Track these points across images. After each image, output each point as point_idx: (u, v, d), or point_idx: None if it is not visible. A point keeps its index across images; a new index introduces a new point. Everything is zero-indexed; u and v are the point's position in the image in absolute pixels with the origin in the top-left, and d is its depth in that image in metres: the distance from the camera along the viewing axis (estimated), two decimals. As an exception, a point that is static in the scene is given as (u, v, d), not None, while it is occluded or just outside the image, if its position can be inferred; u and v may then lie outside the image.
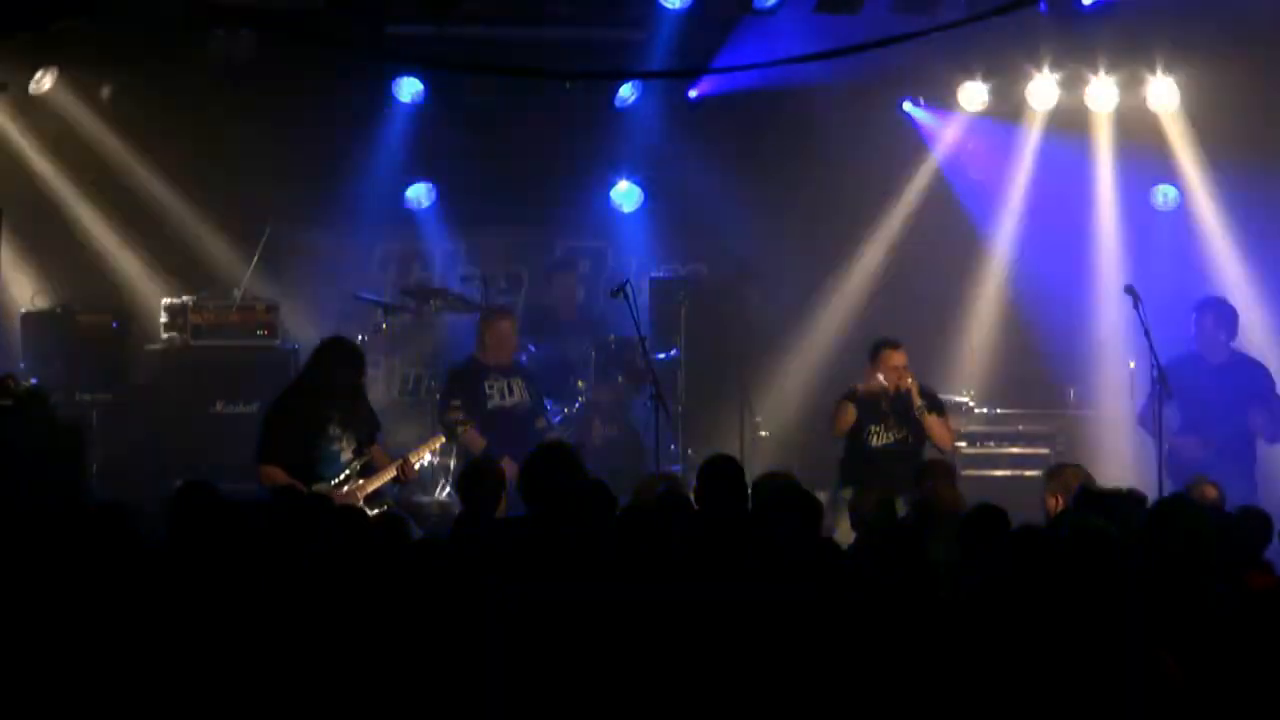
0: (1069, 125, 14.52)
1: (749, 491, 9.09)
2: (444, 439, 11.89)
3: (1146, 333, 11.88)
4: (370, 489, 11.17)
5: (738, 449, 13.00)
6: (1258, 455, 12.43)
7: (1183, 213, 14.64)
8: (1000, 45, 13.63)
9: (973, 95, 14.49)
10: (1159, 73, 14.15)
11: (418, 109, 14.29)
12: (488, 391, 12.80)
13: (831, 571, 7.03)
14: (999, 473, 13.49)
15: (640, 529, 7.12)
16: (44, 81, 13.78)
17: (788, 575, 6.77)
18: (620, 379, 13.53)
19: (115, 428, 13.44)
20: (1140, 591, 6.23)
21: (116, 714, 6.22)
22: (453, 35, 13.68)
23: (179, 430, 13.42)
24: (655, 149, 14.67)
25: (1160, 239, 14.64)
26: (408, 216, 14.82)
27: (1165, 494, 9.88)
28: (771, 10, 13.24)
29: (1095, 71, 14.21)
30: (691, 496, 8.71)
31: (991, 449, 13.73)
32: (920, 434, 11.88)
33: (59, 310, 13.88)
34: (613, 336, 13.74)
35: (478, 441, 12.43)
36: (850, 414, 11.88)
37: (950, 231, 14.62)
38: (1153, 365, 11.90)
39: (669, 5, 13.44)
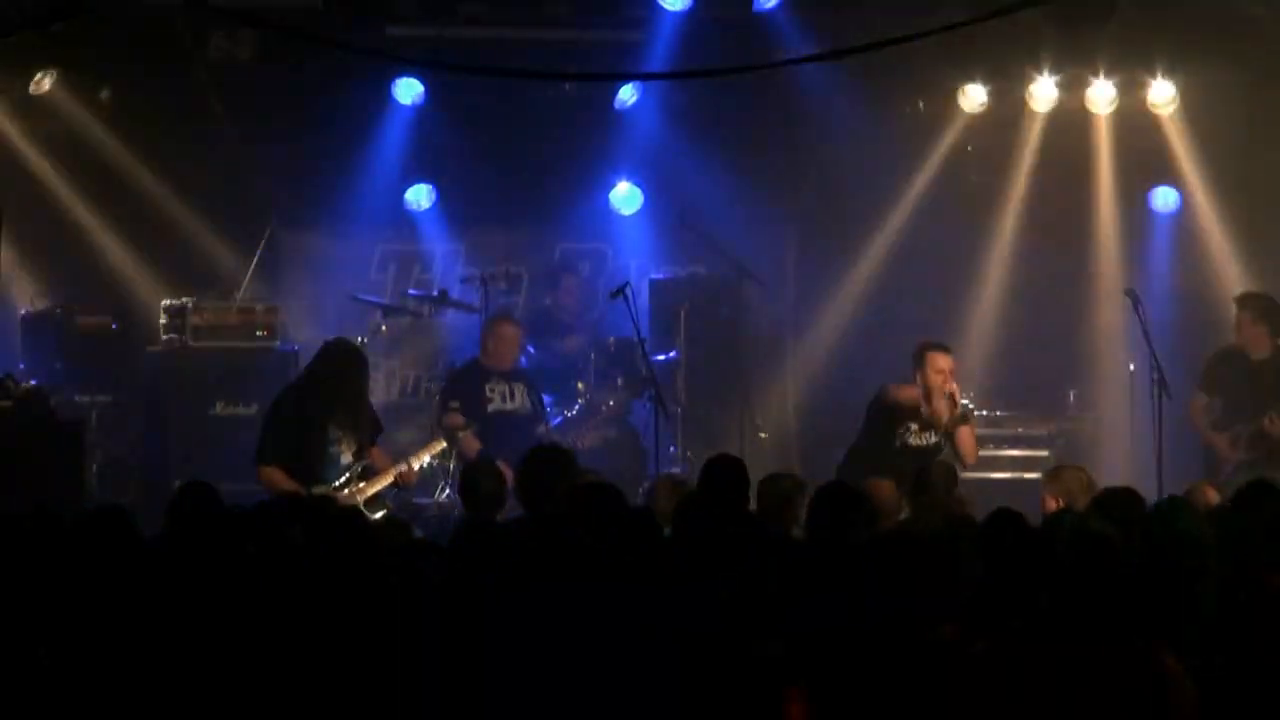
0: (1069, 127, 14.52)
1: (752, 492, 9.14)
2: (445, 443, 11.89)
3: (1146, 335, 11.90)
4: (370, 492, 11.17)
5: (737, 450, 12.99)
6: None
7: (1182, 215, 14.64)
8: (1000, 47, 13.62)
9: (973, 97, 14.49)
10: (1159, 75, 14.15)
11: (417, 110, 14.28)
12: (488, 395, 12.81)
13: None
14: (999, 475, 13.47)
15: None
16: (43, 82, 13.77)
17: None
18: (620, 381, 13.53)
19: (114, 429, 13.44)
20: (1141, 593, 6.22)
21: (115, 715, 6.21)
22: (453, 37, 13.69)
23: (178, 431, 13.42)
24: (655, 150, 14.66)
25: (1160, 241, 14.65)
26: (407, 218, 14.81)
27: (1163, 496, 9.85)
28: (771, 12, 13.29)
29: (1095, 74, 14.21)
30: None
31: (991, 451, 13.72)
32: (950, 441, 11.70)
33: (58, 311, 13.88)
34: (612, 338, 13.75)
35: (473, 446, 12.42)
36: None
37: (950, 233, 14.62)
38: (1152, 367, 11.92)
39: (669, 6, 13.44)
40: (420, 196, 14.73)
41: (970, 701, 5.56)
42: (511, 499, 9.17)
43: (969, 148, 14.81)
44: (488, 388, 12.85)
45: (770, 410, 14.73)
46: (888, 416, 11.64)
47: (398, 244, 15.07)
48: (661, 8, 13.44)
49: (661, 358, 13.65)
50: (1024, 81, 14.33)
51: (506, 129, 14.30)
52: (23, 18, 12.38)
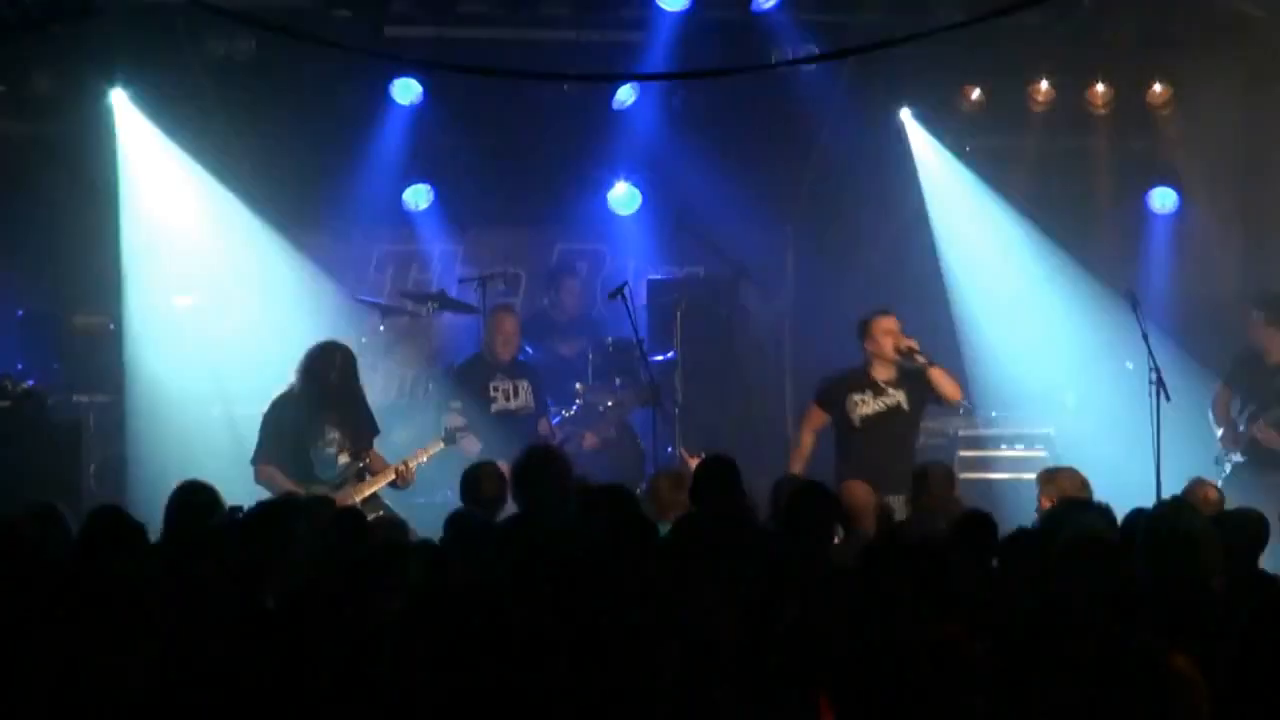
0: (1068, 128, 14.53)
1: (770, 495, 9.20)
2: (443, 444, 11.90)
3: (1145, 336, 11.91)
4: (367, 492, 11.19)
5: (735, 451, 12.97)
6: None
7: (1180, 216, 14.65)
8: (999, 48, 13.63)
9: (972, 98, 14.49)
10: (1157, 76, 14.16)
11: (416, 111, 14.27)
12: (492, 394, 12.88)
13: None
14: (996, 476, 13.48)
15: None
16: (43, 83, 13.75)
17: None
18: (618, 381, 13.54)
19: (112, 430, 13.43)
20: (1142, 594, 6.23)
21: (113, 716, 6.21)
22: (451, 37, 13.69)
23: (176, 432, 13.42)
24: (653, 151, 14.66)
25: (1158, 242, 14.65)
26: (406, 218, 14.79)
27: (1162, 497, 9.88)
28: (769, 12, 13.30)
29: (1094, 75, 14.21)
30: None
31: (989, 452, 13.73)
32: (918, 396, 11.69)
33: (56, 312, 13.87)
34: (610, 338, 13.75)
35: (474, 446, 12.47)
36: (818, 419, 11.76)
37: (948, 234, 14.62)
38: (1150, 368, 11.93)
39: (667, 7, 13.44)
40: (419, 197, 14.71)
41: (975, 701, 5.55)
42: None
43: (967, 148, 14.82)
44: (491, 386, 12.94)
45: (768, 411, 14.73)
46: (832, 400, 11.68)
47: (396, 244, 15.06)
48: (660, 8, 13.44)
49: (659, 358, 13.65)
50: (1023, 82, 14.33)
51: (505, 129, 14.30)
52: (22, 18, 12.38)
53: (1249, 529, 7.77)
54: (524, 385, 13.06)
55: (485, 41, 13.85)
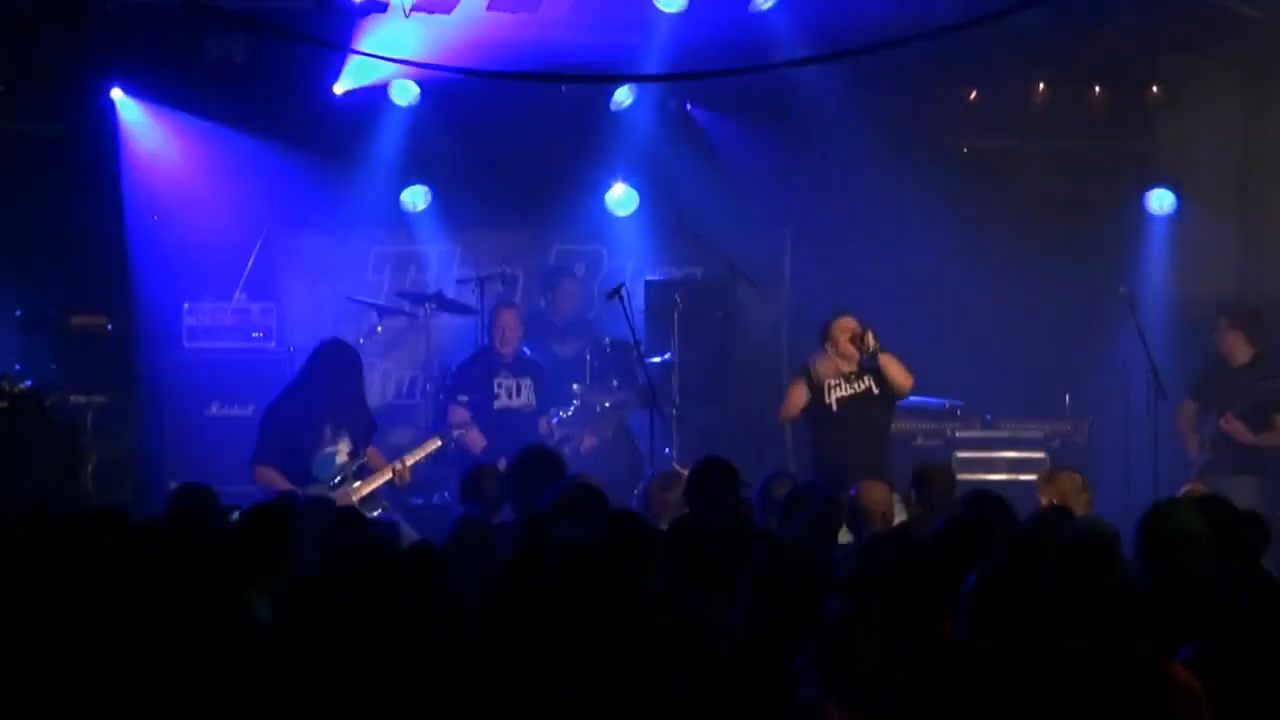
0: (1066, 129, 14.53)
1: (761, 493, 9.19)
2: (440, 442, 11.91)
3: (1142, 337, 11.93)
4: (366, 491, 11.21)
5: (732, 453, 12.97)
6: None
7: (1179, 217, 14.65)
8: (999, 48, 13.62)
9: (970, 99, 14.49)
10: (1156, 77, 14.17)
11: (414, 112, 14.27)
12: (496, 390, 12.94)
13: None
14: (994, 477, 13.48)
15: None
16: (43, 83, 13.74)
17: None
18: (615, 382, 13.54)
19: (111, 430, 13.43)
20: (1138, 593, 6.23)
21: (111, 716, 6.21)
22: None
23: (174, 432, 13.43)
24: (651, 152, 14.66)
25: (1156, 243, 14.65)
26: (403, 219, 14.79)
27: (1159, 497, 9.88)
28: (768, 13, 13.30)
29: (1093, 76, 14.22)
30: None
31: (987, 453, 13.74)
32: (882, 382, 11.85)
33: (54, 312, 13.87)
34: (608, 340, 13.75)
35: (479, 442, 12.53)
36: (800, 394, 11.90)
37: (946, 236, 14.61)
38: (1148, 369, 11.94)
39: (665, 8, 13.44)
40: (416, 198, 14.70)
41: (978, 701, 5.57)
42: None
43: (965, 149, 14.81)
44: (496, 382, 13.00)
45: (766, 412, 14.72)
46: (811, 381, 11.87)
47: (394, 245, 15.05)
48: (658, 9, 13.43)
49: (657, 359, 13.65)
50: (1022, 82, 14.33)
51: (503, 131, 14.29)
52: (21, 18, 12.38)
53: (1249, 529, 7.78)
54: (526, 383, 13.13)
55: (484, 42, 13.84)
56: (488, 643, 6.24)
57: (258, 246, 14.10)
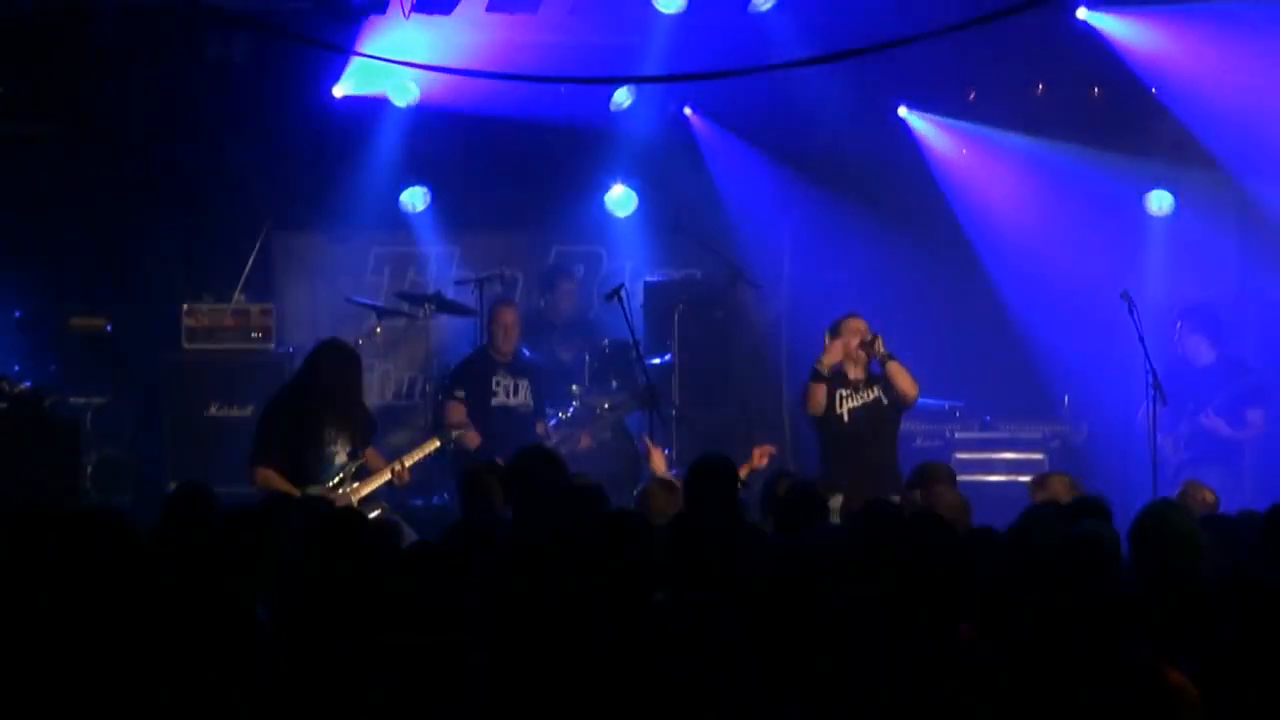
0: (1064, 130, 14.53)
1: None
2: (439, 443, 11.91)
3: (1141, 339, 11.94)
4: (365, 492, 11.20)
5: (732, 453, 12.96)
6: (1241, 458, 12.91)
7: (1177, 218, 14.65)
8: (998, 51, 13.63)
9: (970, 100, 14.49)
10: (1155, 78, 14.16)
11: (413, 112, 14.27)
12: (494, 388, 12.96)
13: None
14: (993, 478, 13.49)
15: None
16: (43, 83, 13.74)
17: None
18: (614, 383, 13.54)
19: (110, 430, 13.43)
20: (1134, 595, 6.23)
21: (111, 716, 6.21)
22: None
23: (173, 433, 13.44)
24: (650, 153, 14.67)
25: (1154, 244, 14.66)
26: (403, 220, 14.80)
27: (1158, 498, 9.88)
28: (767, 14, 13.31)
29: (1092, 76, 14.22)
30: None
31: (986, 454, 13.74)
32: (889, 391, 11.83)
33: (54, 312, 13.87)
34: (607, 341, 13.76)
35: (476, 442, 12.55)
36: (821, 393, 11.89)
37: (945, 238, 14.62)
38: (1147, 371, 11.96)
39: (663, 9, 13.45)
40: (415, 199, 14.71)
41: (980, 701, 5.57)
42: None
43: (963, 150, 14.81)
44: (494, 381, 13.03)
45: (765, 413, 14.72)
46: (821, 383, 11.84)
47: (393, 246, 15.05)
48: (657, 10, 13.44)
49: (656, 360, 13.66)
50: (1021, 83, 14.33)
51: (502, 131, 14.29)
52: (21, 18, 12.38)
53: (1249, 529, 7.78)
54: (524, 384, 13.20)
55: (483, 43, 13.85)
56: (487, 643, 6.23)
57: (257, 247, 14.10)
